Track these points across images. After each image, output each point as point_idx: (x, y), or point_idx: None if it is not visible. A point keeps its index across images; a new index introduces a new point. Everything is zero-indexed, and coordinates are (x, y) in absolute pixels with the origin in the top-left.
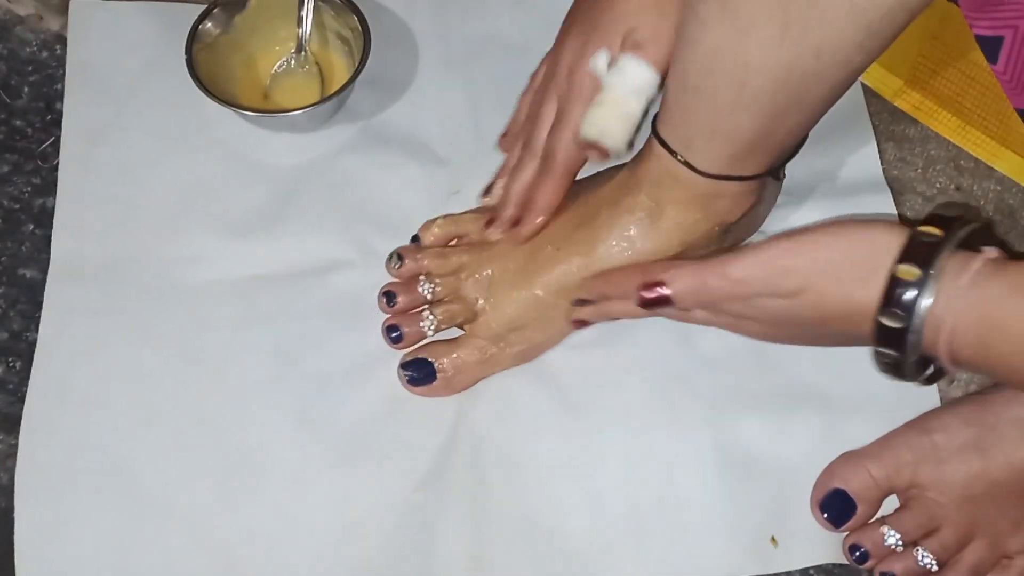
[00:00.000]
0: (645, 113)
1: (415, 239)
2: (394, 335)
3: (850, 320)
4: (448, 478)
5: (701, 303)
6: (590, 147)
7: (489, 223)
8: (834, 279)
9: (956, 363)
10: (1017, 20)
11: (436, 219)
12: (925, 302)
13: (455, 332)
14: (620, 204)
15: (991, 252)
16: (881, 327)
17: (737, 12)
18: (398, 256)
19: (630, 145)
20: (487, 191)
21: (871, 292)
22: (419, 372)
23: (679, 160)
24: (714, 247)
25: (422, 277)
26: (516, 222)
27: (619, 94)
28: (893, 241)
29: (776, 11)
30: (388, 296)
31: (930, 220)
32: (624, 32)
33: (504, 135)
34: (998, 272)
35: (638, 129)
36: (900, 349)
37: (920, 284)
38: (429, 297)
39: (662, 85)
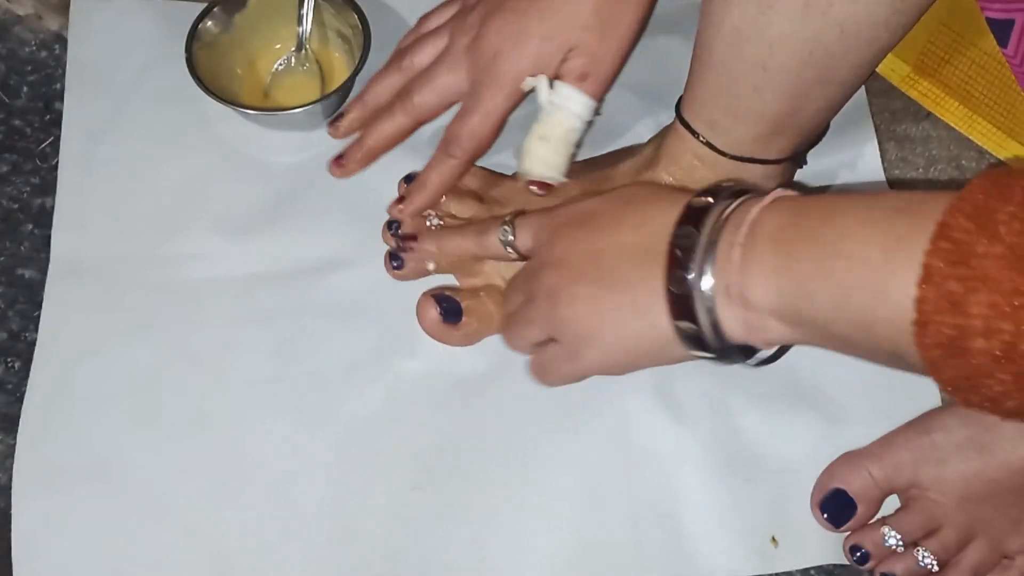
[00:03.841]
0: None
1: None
2: (395, 261)
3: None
4: (444, 478)
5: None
6: (536, 184)
7: (337, 159)
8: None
9: (756, 318)
10: None
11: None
12: (704, 284)
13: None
14: (641, 182)
15: (788, 191)
16: (672, 307)
17: None
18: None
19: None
20: (336, 119)
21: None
22: (449, 306)
23: (701, 141)
24: None
25: (431, 213)
26: (354, 164)
27: (564, 130)
28: (671, 214)
29: None
30: (391, 225)
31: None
32: (564, 50)
33: (393, 57)
34: (796, 202)
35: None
36: (694, 320)
37: (693, 263)
38: (434, 228)
39: (599, 110)
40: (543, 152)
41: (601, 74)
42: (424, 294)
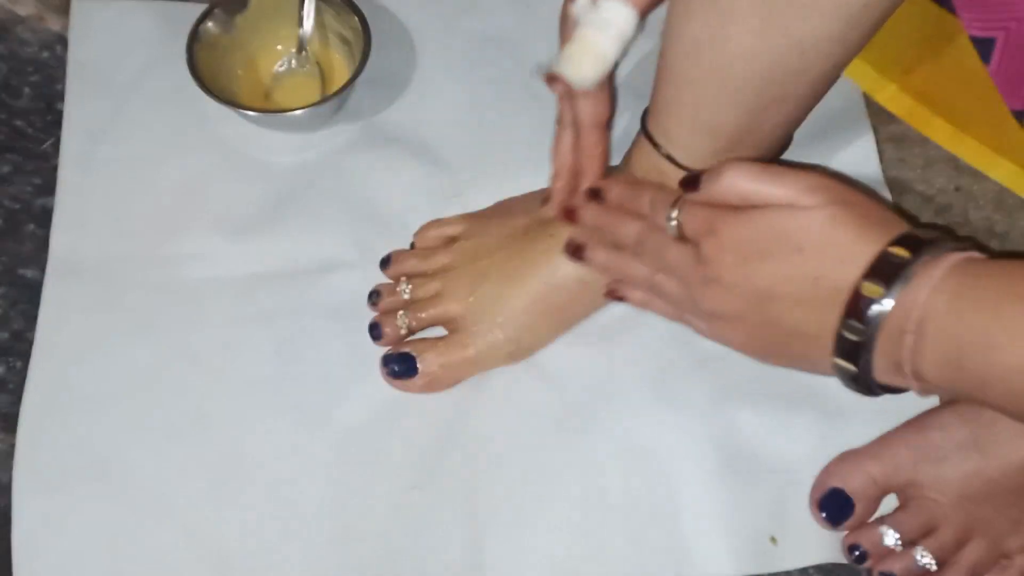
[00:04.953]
0: (623, 54)
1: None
2: (374, 333)
3: (817, 309)
4: (444, 478)
5: (697, 216)
6: (553, 79)
7: (545, 200)
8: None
9: (923, 384)
10: (1009, 21)
11: (428, 223)
12: (883, 311)
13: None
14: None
15: (959, 255)
16: (840, 338)
17: (720, 2)
18: (385, 259)
19: (598, 83)
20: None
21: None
22: (400, 366)
23: (662, 154)
24: None
25: (403, 278)
26: (571, 190)
27: (592, 31)
28: (867, 250)
29: (758, 2)
30: (371, 295)
31: (903, 239)
32: None
33: None
34: (968, 277)
35: (615, 69)
36: (857, 363)
37: (881, 303)
38: (406, 297)
39: (640, 25)
40: (567, 51)
41: None
42: (380, 359)
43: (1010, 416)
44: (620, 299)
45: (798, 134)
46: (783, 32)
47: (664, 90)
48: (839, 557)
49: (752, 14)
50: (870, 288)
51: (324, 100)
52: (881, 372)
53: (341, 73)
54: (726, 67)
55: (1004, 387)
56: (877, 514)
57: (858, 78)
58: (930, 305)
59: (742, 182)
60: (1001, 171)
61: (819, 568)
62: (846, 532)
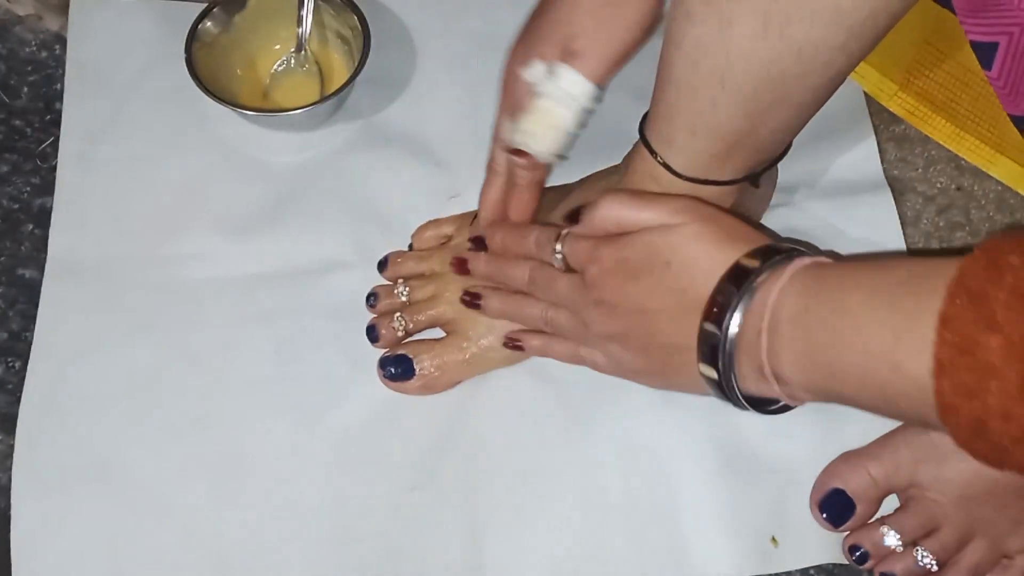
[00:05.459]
0: (583, 126)
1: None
2: (371, 335)
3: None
4: (444, 478)
5: (576, 252)
6: (516, 153)
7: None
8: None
9: (785, 385)
10: (1012, 26)
11: (425, 223)
12: (735, 313)
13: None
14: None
15: (807, 259)
16: (701, 344)
17: (721, 6)
18: (382, 261)
19: (560, 156)
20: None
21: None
22: (397, 368)
23: (658, 161)
24: None
25: (400, 280)
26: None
27: (550, 102)
28: (726, 261)
29: (759, 7)
30: (369, 297)
31: (757, 251)
32: (562, 39)
33: None
34: (813, 278)
35: (574, 141)
36: (718, 368)
37: (734, 309)
38: (403, 299)
39: (598, 97)
40: (524, 122)
41: (593, 52)
42: (377, 361)
43: (866, 410)
44: (518, 348)
45: (800, 134)
46: (784, 39)
47: (664, 95)
48: (840, 558)
49: (752, 18)
50: (724, 292)
51: (323, 100)
52: (745, 378)
53: (340, 72)
54: (726, 70)
55: (854, 374)
56: (878, 515)
57: (860, 78)
58: (778, 304)
59: (617, 210)
60: (1002, 170)
61: (820, 569)
62: (847, 533)
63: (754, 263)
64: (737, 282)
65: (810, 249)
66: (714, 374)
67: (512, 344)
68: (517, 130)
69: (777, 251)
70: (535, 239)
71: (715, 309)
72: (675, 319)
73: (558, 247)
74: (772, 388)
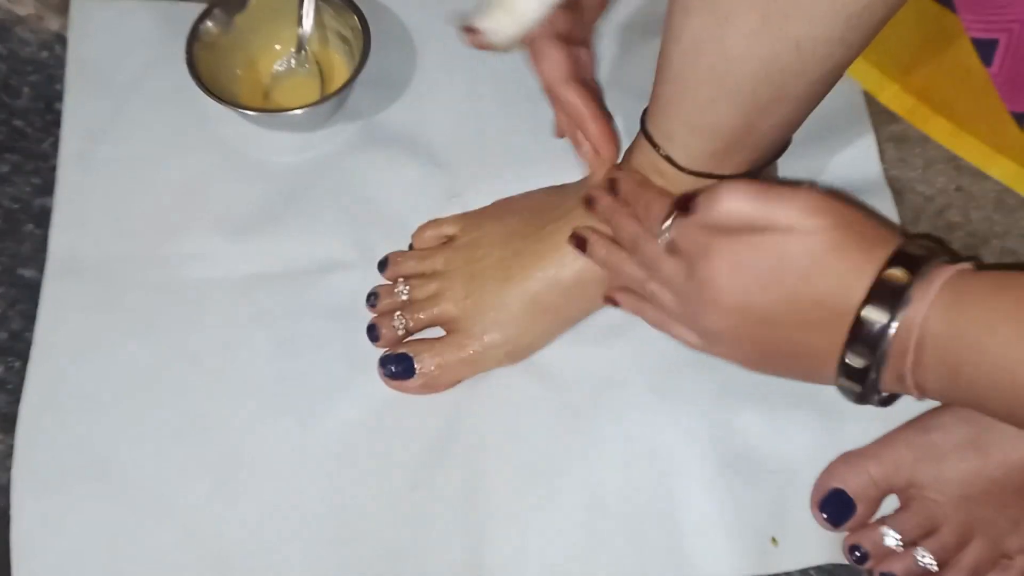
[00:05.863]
0: (550, 9)
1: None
2: (372, 335)
3: (822, 326)
4: (444, 478)
5: (682, 235)
6: (470, 31)
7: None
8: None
9: (924, 393)
10: (1012, 23)
11: (426, 223)
12: (888, 336)
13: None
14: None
15: (950, 269)
16: (845, 362)
17: (719, 1)
18: (383, 261)
19: (519, 42)
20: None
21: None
22: (398, 367)
23: (661, 154)
24: None
25: (400, 279)
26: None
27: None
28: (867, 272)
29: (757, 2)
30: (369, 297)
31: (899, 258)
32: None
33: None
34: (959, 293)
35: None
36: (864, 383)
37: (885, 328)
38: (404, 299)
39: None
40: (498, 13)
41: None
42: (378, 360)
43: (1006, 422)
44: (615, 304)
45: (799, 133)
46: (782, 32)
47: (663, 90)
48: (840, 558)
49: (750, 12)
50: (873, 314)
51: (323, 100)
52: (884, 385)
53: (341, 73)
54: (724, 66)
55: (998, 394)
56: (878, 515)
57: (859, 77)
58: (927, 323)
59: (742, 206)
60: (1001, 169)
61: (820, 569)
62: (847, 533)
63: (901, 277)
64: (885, 301)
65: (940, 248)
66: (856, 387)
67: (610, 302)
68: (482, 15)
69: (919, 259)
70: (645, 205)
71: (863, 330)
72: (806, 331)
73: (666, 225)
74: (908, 392)
